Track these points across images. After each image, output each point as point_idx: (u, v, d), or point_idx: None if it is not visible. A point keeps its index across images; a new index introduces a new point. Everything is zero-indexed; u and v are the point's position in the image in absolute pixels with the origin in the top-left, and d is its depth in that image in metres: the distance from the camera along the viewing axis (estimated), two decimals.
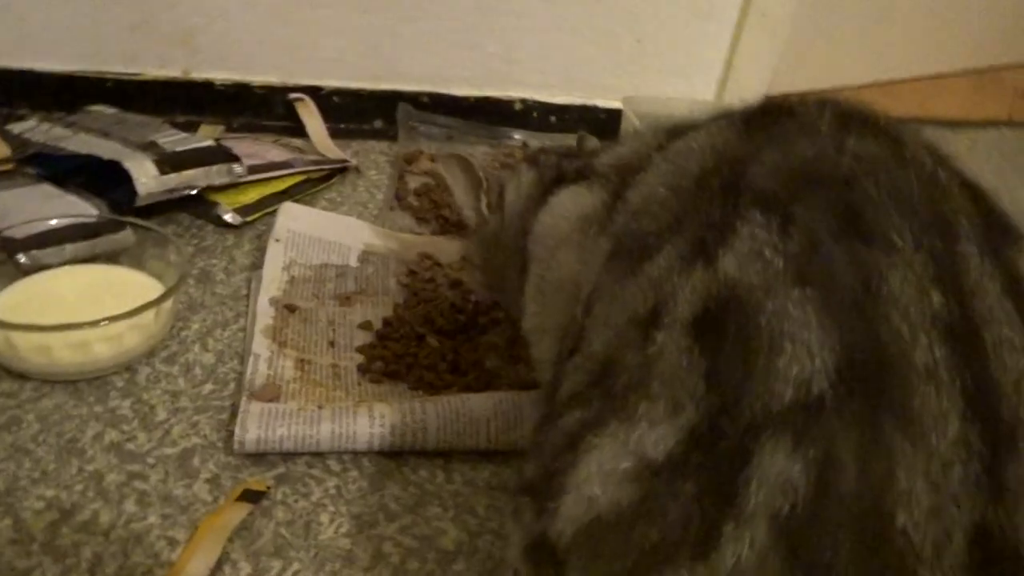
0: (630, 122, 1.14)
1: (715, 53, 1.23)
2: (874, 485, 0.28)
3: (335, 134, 1.09)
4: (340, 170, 1.02)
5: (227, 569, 0.50)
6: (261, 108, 1.09)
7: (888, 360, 0.29)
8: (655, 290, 0.34)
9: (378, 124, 1.14)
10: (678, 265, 0.34)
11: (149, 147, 0.83)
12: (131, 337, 0.64)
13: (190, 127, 1.05)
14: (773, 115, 0.40)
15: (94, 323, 0.61)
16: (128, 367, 0.66)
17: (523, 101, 1.18)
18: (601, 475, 0.33)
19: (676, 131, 0.45)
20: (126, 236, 0.74)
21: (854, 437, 0.28)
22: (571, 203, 0.50)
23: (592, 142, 0.68)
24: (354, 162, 1.03)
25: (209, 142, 0.89)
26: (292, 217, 0.83)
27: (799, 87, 1.57)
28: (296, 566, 0.51)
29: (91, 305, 0.64)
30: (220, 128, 1.07)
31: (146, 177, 0.79)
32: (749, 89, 1.27)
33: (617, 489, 0.32)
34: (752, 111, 0.41)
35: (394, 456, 0.61)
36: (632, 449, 0.32)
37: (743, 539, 0.28)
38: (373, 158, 1.08)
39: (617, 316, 0.37)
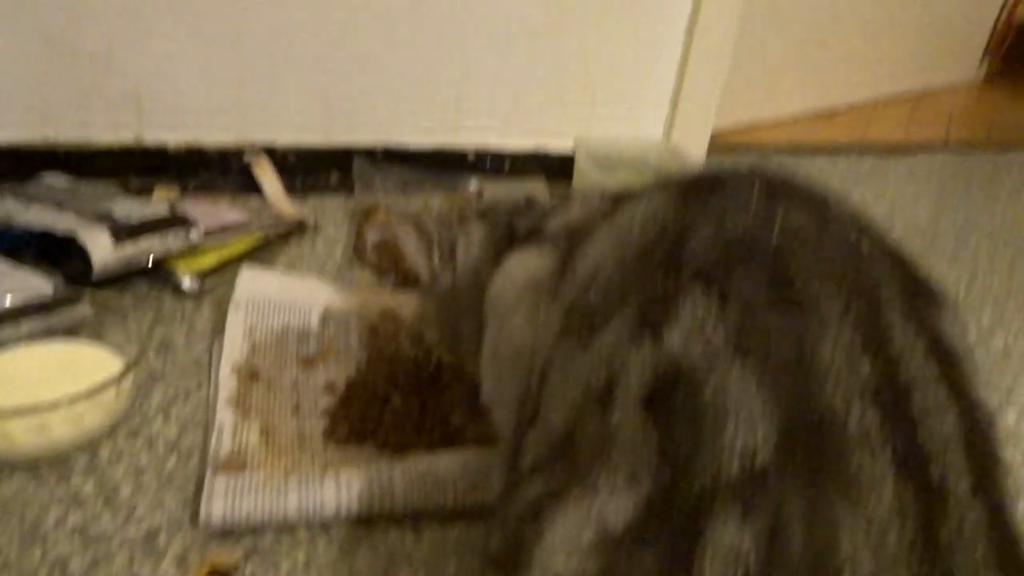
0: (582, 164, 1.16)
1: (661, 93, 1.26)
2: (819, 551, 0.29)
3: (292, 190, 1.10)
4: (298, 228, 1.02)
5: None
6: (216, 168, 1.10)
7: (825, 428, 0.31)
8: (607, 364, 0.36)
9: (334, 179, 1.15)
10: (627, 339, 0.35)
11: (104, 218, 0.83)
12: (92, 415, 0.64)
13: (145, 191, 1.05)
14: (707, 187, 0.41)
15: (53, 405, 0.60)
16: (89, 445, 0.65)
17: (476, 149, 1.20)
18: (565, 546, 0.34)
19: (621, 198, 0.46)
20: (83, 310, 0.74)
21: (798, 505, 0.30)
22: (522, 268, 0.51)
23: (540, 199, 0.69)
24: (312, 219, 1.04)
25: (164, 209, 0.89)
26: (251, 282, 0.83)
27: (742, 119, 1.62)
28: None
29: (50, 385, 0.64)
30: (175, 190, 1.07)
31: (102, 250, 0.79)
32: (695, 125, 1.31)
33: (581, 561, 0.33)
34: (688, 182, 0.43)
35: (363, 520, 0.61)
36: (594, 520, 0.33)
37: None
38: (331, 214, 1.09)
39: (572, 389, 0.38)
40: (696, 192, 0.41)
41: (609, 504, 0.33)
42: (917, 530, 0.29)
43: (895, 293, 0.35)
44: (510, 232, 0.61)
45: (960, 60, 2.16)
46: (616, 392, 0.35)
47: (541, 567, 0.35)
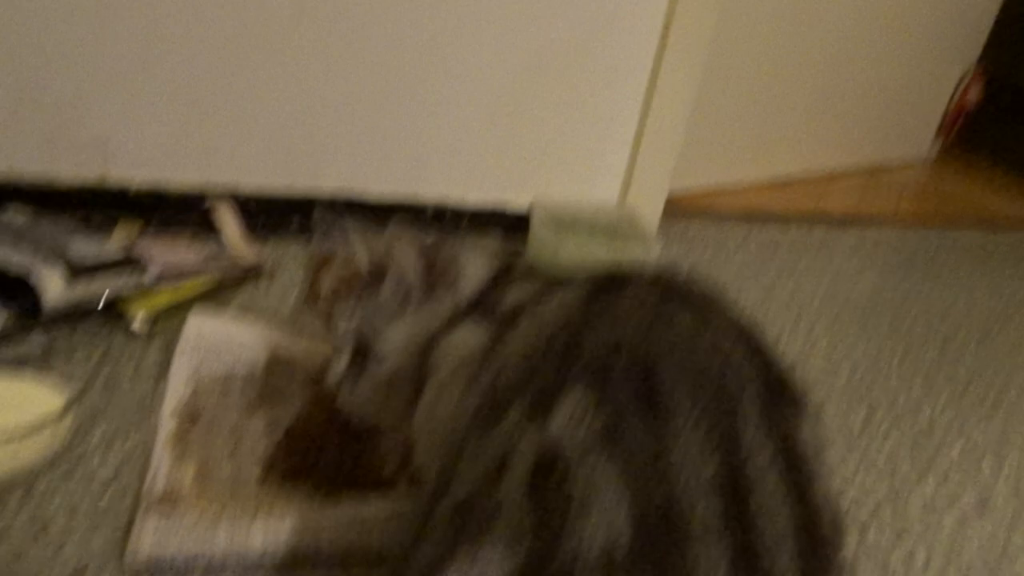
0: (537, 225, 1.20)
1: (617, 158, 1.32)
2: None
3: (253, 233, 1.13)
4: (254, 272, 1.05)
5: None
6: (178, 209, 1.12)
7: (672, 519, 0.35)
8: (503, 444, 0.40)
9: (296, 223, 1.18)
10: (520, 423, 0.40)
11: (58, 257, 0.85)
12: (29, 452, 0.65)
13: (107, 226, 1.07)
14: (613, 287, 0.47)
15: None
16: (26, 480, 0.66)
17: (436, 204, 1.24)
18: None
19: (551, 287, 0.51)
20: (32, 345, 0.76)
21: None
22: (462, 343, 0.55)
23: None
24: (269, 264, 1.07)
25: (120, 250, 0.91)
26: (200, 325, 0.85)
27: (699, 184, 1.68)
28: None
29: None
30: (136, 228, 1.09)
31: (54, 290, 0.81)
32: (650, 191, 1.36)
33: None
34: (599, 281, 0.48)
35: (290, 563, 0.63)
36: None
37: None
38: (288, 260, 1.11)
39: (477, 466, 0.42)
40: (602, 292, 0.46)
41: (488, 570, 0.37)
42: None
43: (754, 399, 0.40)
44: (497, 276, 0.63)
45: (914, 138, 2.26)
46: (508, 468, 0.39)
47: None
